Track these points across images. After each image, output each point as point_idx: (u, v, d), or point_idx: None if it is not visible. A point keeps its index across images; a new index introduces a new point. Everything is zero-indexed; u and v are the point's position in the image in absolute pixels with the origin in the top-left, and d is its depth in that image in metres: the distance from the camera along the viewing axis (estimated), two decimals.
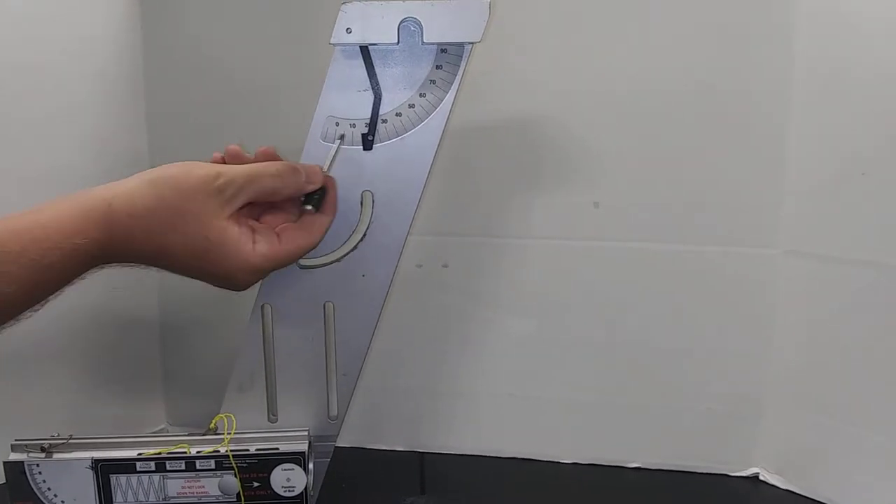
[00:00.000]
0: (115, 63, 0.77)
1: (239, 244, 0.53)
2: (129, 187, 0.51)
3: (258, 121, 0.75)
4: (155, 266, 0.54)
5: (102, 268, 0.52)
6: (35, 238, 0.48)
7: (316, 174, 0.57)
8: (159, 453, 0.60)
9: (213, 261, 0.53)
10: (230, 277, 0.54)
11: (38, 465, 0.59)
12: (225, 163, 0.56)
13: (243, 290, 0.57)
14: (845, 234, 0.67)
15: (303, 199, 0.58)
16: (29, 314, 0.50)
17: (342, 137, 0.59)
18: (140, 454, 0.60)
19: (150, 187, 0.51)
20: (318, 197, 0.58)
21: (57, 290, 0.50)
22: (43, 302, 0.50)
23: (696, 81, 0.70)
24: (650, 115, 0.71)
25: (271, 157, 0.57)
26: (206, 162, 0.56)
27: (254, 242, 0.54)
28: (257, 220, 0.57)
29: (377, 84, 0.59)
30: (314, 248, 0.58)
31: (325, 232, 0.58)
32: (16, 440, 0.60)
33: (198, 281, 0.55)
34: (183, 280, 0.55)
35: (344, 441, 0.73)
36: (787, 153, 0.69)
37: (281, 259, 0.56)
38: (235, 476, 0.61)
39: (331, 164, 0.59)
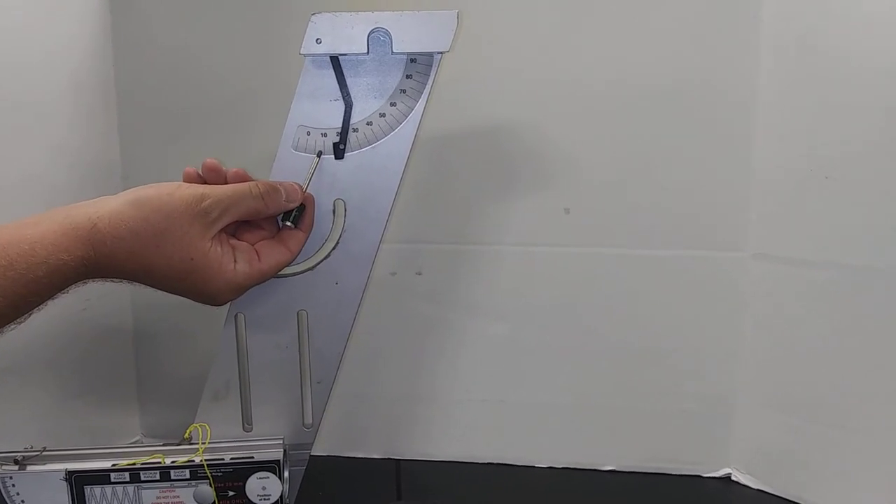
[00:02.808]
0: (85, 72, 0.76)
1: (221, 264, 0.54)
2: (113, 208, 0.51)
3: (230, 129, 0.76)
4: (139, 283, 0.54)
5: (87, 282, 0.52)
6: (22, 253, 0.48)
7: (295, 192, 0.58)
8: (134, 464, 0.60)
9: (197, 280, 0.54)
10: (212, 295, 0.55)
11: (11, 478, 0.59)
12: (200, 177, 0.57)
13: (223, 305, 0.58)
14: (811, 236, 0.68)
15: (281, 215, 0.58)
16: (13, 327, 0.50)
17: (320, 154, 0.60)
18: (114, 465, 0.60)
19: (135, 209, 0.51)
20: (296, 214, 0.59)
21: (42, 303, 0.51)
22: (27, 315, 0.51)
23: (664, 89, 0.71)
24: (620, 122, 0.72)
25: (242, 178, 0.57)
26: (179, 177, 0.56)
27: (235, 262, 0.55)
28: (234, 235, 0.57)
29: (348, 94, 0.59)
30: (291, 262, 0.59)
31: (302, 247, 0.59)
32: None
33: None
34: (157, 291, 0.55)
35: (319, 449, 0.73)
36: (753, 158, 0.70)
37: (261, 276, 0.57)
38: (210, 485, 0.61)
39: (309, 181, 0.59)
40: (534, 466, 0.80)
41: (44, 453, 0.60)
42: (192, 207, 0.52)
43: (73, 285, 0.52)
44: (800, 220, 0.69)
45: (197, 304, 0.57)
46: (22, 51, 0.71)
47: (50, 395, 0.77)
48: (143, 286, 0.55)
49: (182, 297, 0.56)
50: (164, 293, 0.56)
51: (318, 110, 0.59)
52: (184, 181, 0.56)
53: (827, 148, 0.66)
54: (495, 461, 0.81)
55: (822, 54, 0.65)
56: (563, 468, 0.79)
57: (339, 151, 0.60)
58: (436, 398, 0.80)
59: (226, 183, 0.56)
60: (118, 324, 0.82)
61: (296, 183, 0.59)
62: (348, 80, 0.59)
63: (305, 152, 0.60)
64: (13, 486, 0.59)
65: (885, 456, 0.66)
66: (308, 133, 0.60)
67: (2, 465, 0.59)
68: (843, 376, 0.68)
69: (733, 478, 0.76)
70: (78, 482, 0.59)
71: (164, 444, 0.62)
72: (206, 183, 0.56)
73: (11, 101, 0.71)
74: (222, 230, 0.55)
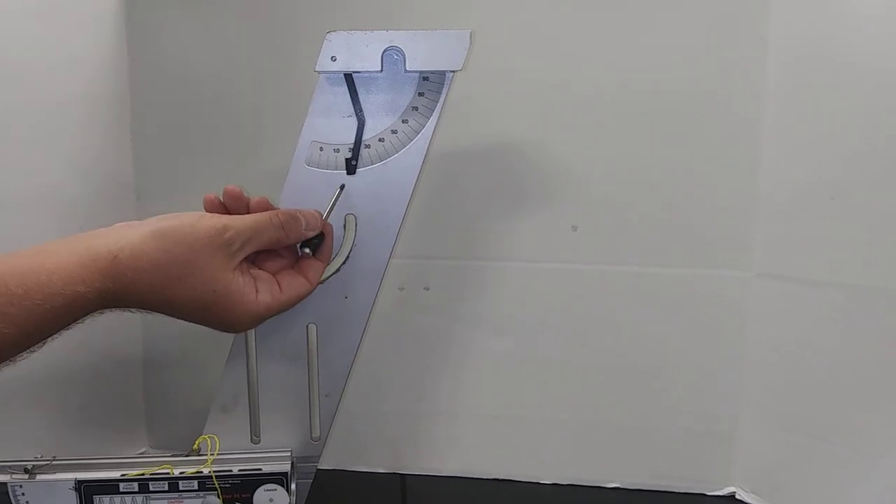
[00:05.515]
0: (101, 85, 0.77)
1: (243, 295, 0.54)
2: (134, 240, 0.51)
3: (244, 145, 0.76)
4: (159, 313, 0.54)
5: (103, 312, 0.52)
6: (39, 283, 0.47)
7: (315, 220, 0.58)
8: (143, 474, 0.60)
9: (219, 311, 0.54)
10: (233, 325, 0.55)
11: (21, 487, 0.59)
12: (221, 203, 0.57)
13: (241, 332, 0.59)
14: (815, 256, 0.69)
15: (300, 243, 0.59)
16: (26, 355, 0.50)
17: (342, 187, 0.60)
18: (123, 475, 0.60)
19: (157, 240, 0.51)
20: (316, 242, 0.59)
21: (56, 333, 0.50)
22: (41, 344, 0.50)
23: (671, 107, 0.72)
24: (626, 140, 0.73)
25: (265, 207, 0.57)
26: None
27: (257, 292, 0.55)
28: (253, 263, 0.57)
29: (361, 110, 0.60)
30: (310, 293, 0.59)
31: (321, 277, 0.60)
32: None
33: None
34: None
35: (325, 463, 0.73)
36: (759, 177, 0.71)
37: (281, 307, 0.57)
38: (218, 497, 0.61)
39: (329, 212, 0.60)
40: (539, 483, 0.80)
41: (53, 462, 0.61)
42: (214, 239, 0.52)
43: (90, 315, 0.51)
44: (805, 240, 0.69)
45: (207, 327, 0.57)
46: (36, 64, 0.72)
47: (57, 410, 0.77)
48: (159, 314, 0.54)
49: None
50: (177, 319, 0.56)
51: (332, 126, 0.60)
52: (204, 207, 0.57)
53: (833, 168, 0.67)
54: (500, 477, 0.81)
55: (829, 74, 0.66)
56: (567, 485, 0.79)
57: (350, 167, 0.61)
58: (441, 413, 0.81)
59: (248, 210, 0.57)
60: (128, 337, 0.82)
61: (316, 211, 0.59)
62: (361, 98, 0.60)
63: (318, 168, 0.60)
64: (23, 494, 0.59)
65: (890, 475, 0.66)
66: (321, 149, 0.60)
67: (12, 473, 0.59)
68: (847, 396, 0.68)
69: (737, 496, 0.76)
70: (87, 492, 0.60)
71: (172, 455, 0.63)
72: (226, 209, 0.57)
73: (26, 115, 0.71)
74: (243, 259, 0.55)
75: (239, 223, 0.54)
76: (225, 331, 0.56)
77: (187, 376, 0.83)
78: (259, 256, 0.58)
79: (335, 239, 0.61)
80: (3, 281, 0.46)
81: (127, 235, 0.51)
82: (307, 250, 0.59)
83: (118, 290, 0.50)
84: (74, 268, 0.49)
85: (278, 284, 0.57)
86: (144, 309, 0.53)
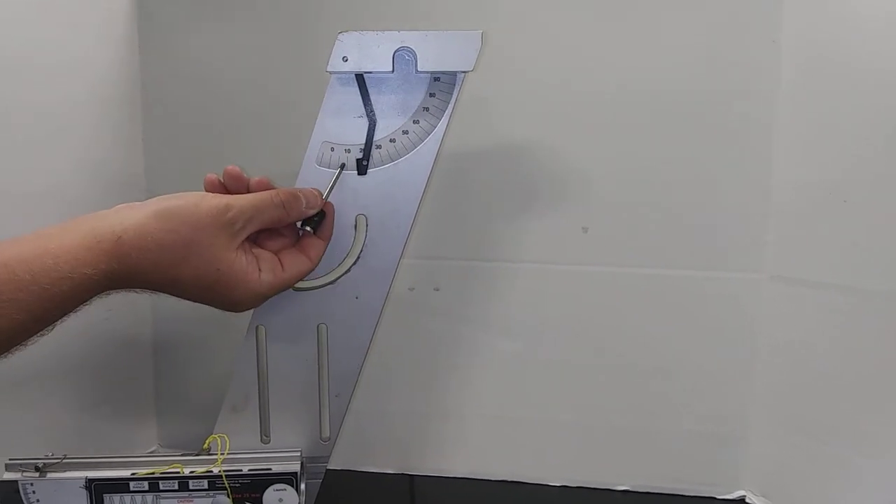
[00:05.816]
0: (111, 85, 0.77)
1: (246, 274, 0.54)
2: (138, 220, 0.51)
3: (254, 144, 0.77)
4: (163, 293, 0.54)
5: (109, 294, 0.52)
6: (45, 267, 0.48)
7: (315, 199, 0.59)
8: (153, 473, 0.60)
9: (222, 289, 0.54)
10: (236, 303, 0.56)
11: (32, 485, 0.59)
12: (222, 184, 0.57)
13: (244, 311, 0.58)
14: (828, 259, 0.68)
15: (301, 221, 0.59)
16: (35, 339, 0.50)
17: (343, 166, 0.60)
18: (134, 474, 0.60)
19: (160, 220, 0.51)
20: (316, 220, 0.59)
21: (64, 316, 0.50)
22: (50, 328, 0.50)
23: (683, 108, 0.71)
24: (637, 142, 0.73)
25: (266, 186, 0.58)
26: (202, 183, 0.57)
27: (259, 271, 0.55)
28: (255, 242, 0.58)
29: (372, 111, 0.60)
30: (312, 271, 0.60)
31: (322, 255, 0.60)
32: (10, 460, 0.60)
33: (192, 303, 0.56)
34: (177, 303, 0.56)
35: (334, 463, 0.73)
36: (772, 179, 0.71)
37: (284, 284, 0.57)
38: (228, 496, 0.61)
39: (330, 190, 0.60)
40: (547, 485, 0.80)
41: (64, 461, 0.61)
42: (217, 218, 0.53)
43: (97, 297, 0.52)
44: (817, 243, 0.69)
45: (217, 316, 0.57)
46: (46, 60, 0.72)
47: (68, 405, 0.78)
48: (163, 295, 0.55)
49: (203, 308, 0.56)
50: (185, 305, 0.56)
51: (343, 127, 0.60)
52: (205, 188, 0.57)
53: (845, 170, 0.67)
54: (509, 478, 0.80)
55: (841, 76, 0.66)
56: (576, 487, 0.79)
57: (361, 167, 0.61)
58: (450, 414, 0.81)
59: (248, 191, 0.57)
60: (138, 335, 0.82)
61: (316, 189, 0.59)
62: (373, 98, 0.60)
63: (329, 168, 0.61)
64: (34, 492, 0.59)
65: None
66: (332, 149, 0.61)
67: (23, 471, 0.60)
68: (858, 399, 0.68)
69: (747, 500, 0.76)
70: (97, 490, 0.60)
71: (182, 454, 0.63)
72: (227, 190, 0.57)
73: (35, 112, 0.71)
74: (245, 239, 0.55)
75: (241, 202, 0.54)
76: (228, 310, 0.56)
77: (197, 368, 0.83)
78: (260, 235, 0.58)
79: (346, 239, 0.61)
80: (9, 268, 0.47)
81: (130, 216, 0.51)
82: (308, 228, 0.59)
83: (123, 270, 0.50)
84: (79, 250, 0.49)
85: (280, 263, 0.57)
86: (149, 289, 0.54)
